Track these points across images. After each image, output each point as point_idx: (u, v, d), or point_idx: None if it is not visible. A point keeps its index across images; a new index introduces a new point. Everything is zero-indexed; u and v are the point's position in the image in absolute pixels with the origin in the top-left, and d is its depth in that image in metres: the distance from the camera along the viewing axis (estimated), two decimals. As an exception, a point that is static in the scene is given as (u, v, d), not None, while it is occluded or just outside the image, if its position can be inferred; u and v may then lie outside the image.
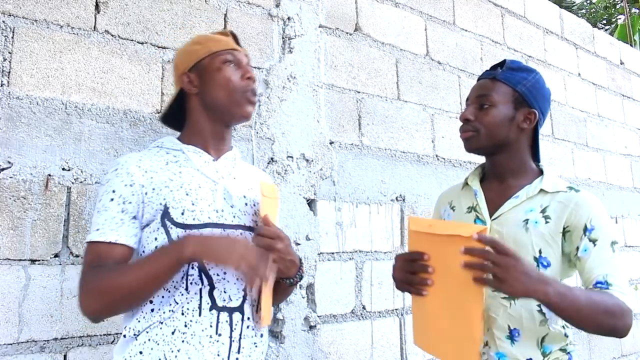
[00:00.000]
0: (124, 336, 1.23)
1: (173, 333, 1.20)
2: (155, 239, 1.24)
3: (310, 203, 2.18)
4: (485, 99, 1.46)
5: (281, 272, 1.30)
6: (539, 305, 1.36)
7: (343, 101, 2.35)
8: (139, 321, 1.22)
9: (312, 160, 2.20)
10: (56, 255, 1.57)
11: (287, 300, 2.03)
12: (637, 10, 12.80)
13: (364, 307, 2.29)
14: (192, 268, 1.24)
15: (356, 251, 2.30)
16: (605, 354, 3.43)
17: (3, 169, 1.50)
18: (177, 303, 1.22)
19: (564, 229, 1.37)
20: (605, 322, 1.23)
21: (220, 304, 1.25)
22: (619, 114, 4.05)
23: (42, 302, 1.52)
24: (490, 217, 1.46)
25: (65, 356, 1.55)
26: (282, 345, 2.00)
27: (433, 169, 2.64)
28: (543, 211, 1.40)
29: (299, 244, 2.10)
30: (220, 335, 1.23)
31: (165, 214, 1.24)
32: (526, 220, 1.40)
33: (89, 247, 1.22)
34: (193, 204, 1.26)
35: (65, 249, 1.58)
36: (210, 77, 1.35)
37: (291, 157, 2.13)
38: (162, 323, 1.21)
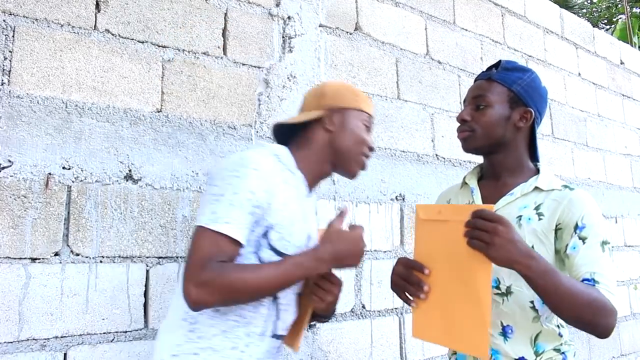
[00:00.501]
0: (185, 320, 1.25)
1: (233, 349, 1.24)
2: (247, 244, 1.24)
3: (310, 202, 2.18)
4: (481, 100, 1.48)
5: (325, 310, 1.38)
6: (531, 302, 1.36)
7: (343, 100, 2.35)
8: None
9: (312, 160, 2.20)
10: (56, 254, 1.57)
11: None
12: (638, 10, 12.79)
13: (363, 306, 2.29)
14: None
15: (356, 250, 2.30)
16: (604, 353, 3.43)
17: (3, 168, 1.50)
18: (246, 319, 1.26)
19: (556, 226, 1.38)
20: (587, 315, 1.22)
21: (279, 332, 1.34)
22: (619, 114, 4.05)
23: (42, 301, 1.52)
24: None
25: (65, 354, 1.55)
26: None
27: (433, 168, 2.65)
28: (537, 208, 1.41)
29: (298, 243, 2.10)
30: (269, 359, 1.33)
31: (267, 233, 1.26)
32: (519, 217, 1.42)
33: (209, 235, 1.17)
34: (291, 235, 1.30)
35: (65, 247, 1.59)
36: (350, 126, 1.42)
37: (291, 156, 2.13)
38: (225, 332, 1.24)
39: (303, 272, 1.22)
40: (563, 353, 1.41)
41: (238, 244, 1.19)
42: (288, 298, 1.35)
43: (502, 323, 1.41)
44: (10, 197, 1.50)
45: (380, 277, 2.36)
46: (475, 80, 1.57)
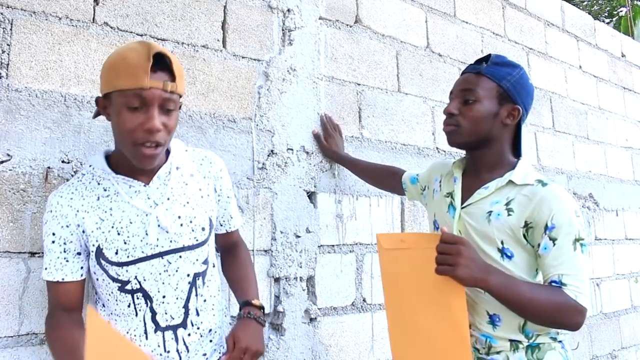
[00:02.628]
0: None
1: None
2: (95, 273, 1.34)
3: (311, 195, 2.18)
4: (469, 94, 1.48)
5: None
6: None
7: (343, 93, 2.35)
8: None
9: (313, 153, 2.20)
10: (56, 248, 1.56)
11: (288, 292, 2.03)
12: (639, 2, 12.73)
13: (364, 300, 2.29)
14: (138, 298, 1.32)
15: (356, 244, 2.30)
16: (605, 346, 3.44)
17: (2, 162, 1.49)
18: (124, 327, 1.34)
19: (526, 223, 1.38)
20: (551, 318, 1.28)
21: (163, 324, 1.34)
22: (620, 107, 4.03)
23: (42, 295, 1.51)
24: (462, 205, 1.50)
25: (65, 348, 1.55)
26: (283, 338, 2.00)
27: (434, 161, 2.64)
28: (507, 204, 1.42)
29: (299, 236, 2.10)
30: (169, 352, 1.34)
31: (100, 254, 1.30)
32: (490, 212, 1.43)
33: (46, 283, 1.35)
34: (125, 243, 1.30)
35: (65, 241, 1.58)
36: (112, 117, 1.26)
37: (291, 149, 2.13)
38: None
39: None
40: (561, 342, 1.43)
41: (67, 283, 1.31)
42: (161, 290, 1.34)
43: (488, 312, 1.43)
44: (10, 191, 1.50)
45: (381, 270, 2.35)
46: (462, 73, 1.56)
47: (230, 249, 1.64)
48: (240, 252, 1.64)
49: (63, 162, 1.59)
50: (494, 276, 1.23)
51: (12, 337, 1.47)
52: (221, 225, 1.57)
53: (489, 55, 1.52)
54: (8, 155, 1.51)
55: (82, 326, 1.29)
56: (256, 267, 1.95)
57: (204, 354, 1.41)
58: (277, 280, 2.02)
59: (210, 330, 1.43)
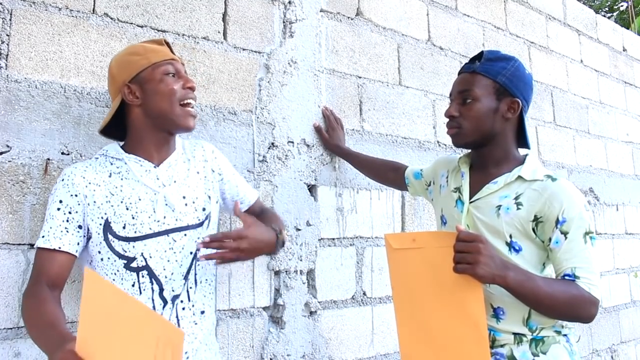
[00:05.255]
0: None
1: None
2: (99, 252, 1.34)
3: (311, 188, 2.17)
4: (467, 94, 1.49)
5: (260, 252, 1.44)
6: None
7: (344, 86, 2.33)
8: None
9: (313, 146, 2.19)
10: (56, 240, 1.56)
11: (288, 285, 2.03)
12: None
13: (364, 293, 2.29)
14: (143, 277, 1.34)
15: (357, 237, 2.29)
16: (604, 340, 3.44)
17: (2, 153, 1.48)
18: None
19: (535, 217, 1.39)
20: (566, 312, 1.31)
21: (168, 298, 1.38)
22: (621, 101, 4.03)
23: (42, 287, 1.51)
24: (470, 200, 1.51)
25: (65, 340, 1.55)
26: (283, 331, 2.00)
27: (434, 155, 2.63)
28: (516, 198, 1.43)
29: (299, 230, 2.09)
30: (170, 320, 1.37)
31: (107, 228, 1.33)
32: (499, 206, 1.44)
33: (36, 253, 1.31)
34: (133, 218, 1.35)
35: (65, 233, 1.57)
36: (152, 88, 1.38)
37: (292, 142, 2.12)
38: None
39: (47, 350, 1.14)
40: (565, 335, 1.43)
41: (61, 252, 1.29)
42: (167, 268, 1.37)
43: (492, 305, 1.44)
44: (9, 182, 1.49)
45: (381, 264, 2.35)
46: (459, 74, 1.57)
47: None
48: (267, 210, 1.71)
49: (63, 153, 1.58)
50: (512, 272, 1.24)
51: (11, 329, 1.47)
52: (242, 204, 1.63)
53: (482, 52, 1.52)
54: (7, 146, 1.50)
55: (61, 308, 1.27)
56: (256, 260, 1.95)
57: (194, 322, 1.41)
58: (277, 273, 2.02)
59: (202, 312, 1.44)
